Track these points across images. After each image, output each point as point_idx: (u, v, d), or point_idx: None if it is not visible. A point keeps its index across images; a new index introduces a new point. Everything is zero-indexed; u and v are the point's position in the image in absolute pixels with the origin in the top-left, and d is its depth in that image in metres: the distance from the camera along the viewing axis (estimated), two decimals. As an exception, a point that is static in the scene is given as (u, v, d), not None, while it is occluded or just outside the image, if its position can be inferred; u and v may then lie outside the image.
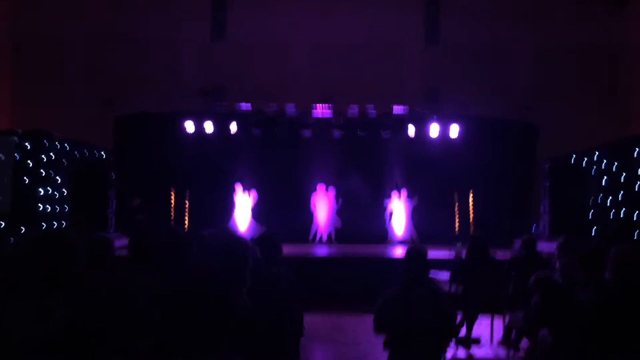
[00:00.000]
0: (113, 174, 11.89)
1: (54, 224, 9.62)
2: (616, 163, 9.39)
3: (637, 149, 8.88)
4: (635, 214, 8.78)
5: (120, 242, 8.84)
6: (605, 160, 9.71)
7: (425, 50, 11.48)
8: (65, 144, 10.06)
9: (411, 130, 12.64)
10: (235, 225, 12.43)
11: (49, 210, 9.48)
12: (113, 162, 11.94)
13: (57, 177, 9.74)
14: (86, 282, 1.92)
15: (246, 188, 12.71)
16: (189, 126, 12.37)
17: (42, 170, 9.35)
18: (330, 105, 12.65)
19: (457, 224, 13.42)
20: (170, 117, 12.65)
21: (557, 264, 5.44)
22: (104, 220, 11.39)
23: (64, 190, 9.90)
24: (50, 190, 9.56)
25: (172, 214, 12.47)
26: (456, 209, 13.55)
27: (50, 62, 10.81)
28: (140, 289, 1.71)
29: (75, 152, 10.60)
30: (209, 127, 12.32)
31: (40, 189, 9.29)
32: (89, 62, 11.06)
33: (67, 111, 10.95)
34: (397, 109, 12.63)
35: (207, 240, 2.25)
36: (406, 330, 3.90)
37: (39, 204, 9.27)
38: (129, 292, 1.67)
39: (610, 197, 9.40)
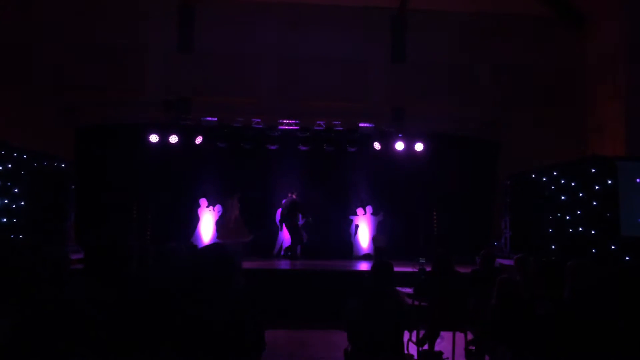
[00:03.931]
0: (73, 186, 11.59)
1: (11, 237, 9.29)
2: (573, 182, 9.64)
3: (593, 169, 9.15)
4: (592, 232, 9.02)
5: (79, 256, 8.61)
6: (563, 179, 9.96)
7: (391, 68, 11.63)
8: (24, 155, 9.76)
9: (377, 147, 12.78)
10: (200, 239, 12.29)
11: (4, 221, 9.16)
12: (73, 174, 11.65)
13: (15, 189, 9.44)
14: (36, 294, 1.87)
15: (211, 203, 12.63)
16: (153, 138, 12.20)
17: (-1, 181, 9.07)
18: (297, 121, 12.67)
19: (421, 240, 13.56)
20: (134, 129, 12.45)
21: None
22: (62, 233, 11.09)
23: (21, 202, 9.59)
24: (7, 201, 9.27)
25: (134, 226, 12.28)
26: (420, 225, 13.70)
27: (9, 68, 10.47)
28: (89, 300, 1.67)
29: (34, 163, 10.30)
30: (173, 139, 12.16)
31: (-4, 200, 9.00)
32: (50, 70, 10.76)
33: (26, 120, 10.61)
34: (364, 126, 12.75)
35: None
36: (369, 342, 3.89)
37: (-5, 216, 8.98)
38: (77, 304, 1.63)
39: (568, 215, 9.63)
